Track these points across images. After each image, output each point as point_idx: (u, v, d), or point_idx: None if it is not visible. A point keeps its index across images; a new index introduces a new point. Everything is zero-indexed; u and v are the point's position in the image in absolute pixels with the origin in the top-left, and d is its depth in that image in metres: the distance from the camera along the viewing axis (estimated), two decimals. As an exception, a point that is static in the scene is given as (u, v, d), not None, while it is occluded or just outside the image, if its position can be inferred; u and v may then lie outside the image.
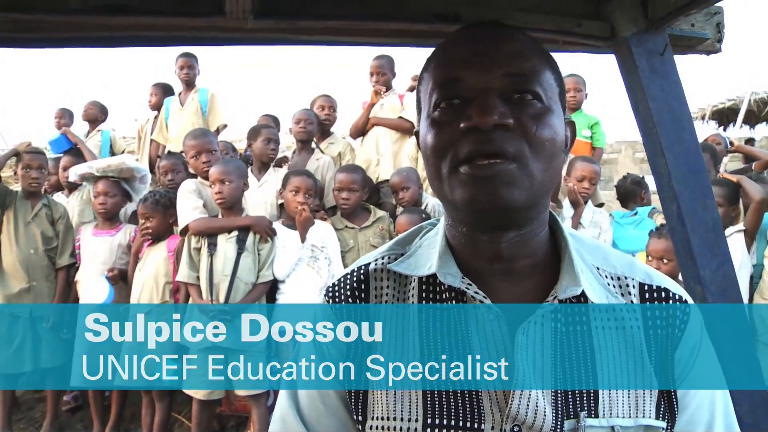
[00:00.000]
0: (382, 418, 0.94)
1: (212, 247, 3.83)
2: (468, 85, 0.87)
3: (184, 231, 3.96)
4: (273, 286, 3.99)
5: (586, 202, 4.28)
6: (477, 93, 0.86)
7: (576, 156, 4.78)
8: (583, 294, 0.92)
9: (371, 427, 0.94)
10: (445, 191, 0.89)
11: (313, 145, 5.20)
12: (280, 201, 4.31)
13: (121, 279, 4.19)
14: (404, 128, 5.15)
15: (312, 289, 3.81)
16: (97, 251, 4.33)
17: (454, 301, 0.95)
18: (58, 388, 4.48)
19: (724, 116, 13.50)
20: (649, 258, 3.42)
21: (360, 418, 0.97)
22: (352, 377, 0.98)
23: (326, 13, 1.30)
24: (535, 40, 0.94)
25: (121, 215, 4.66)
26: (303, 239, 3.90)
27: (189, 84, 5.91)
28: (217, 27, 1.33)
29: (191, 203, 3.96)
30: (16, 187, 4.98)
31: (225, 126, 5.99)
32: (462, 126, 0.85)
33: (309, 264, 3.91)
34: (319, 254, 3.93)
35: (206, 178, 4.07)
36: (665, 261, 3.32)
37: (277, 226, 4.07)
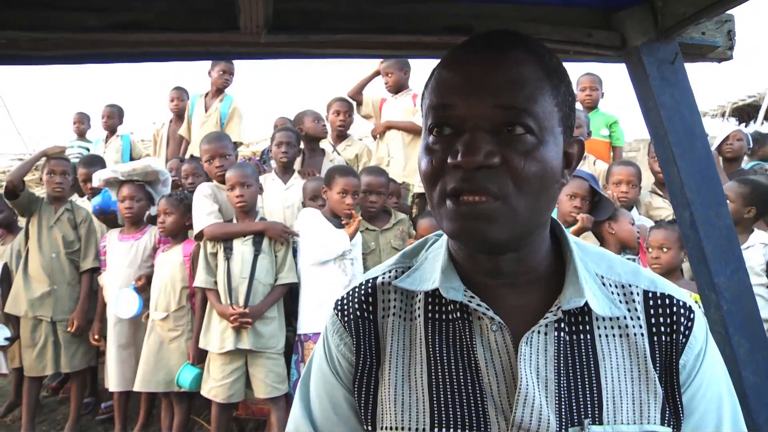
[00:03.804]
0: (391, 428, 0.96)
1: (228, 251, 3.86)
2: (459, 113, 0.87)
3: (200, 236, 3.99)
4: (290, 290, 4.01)
5: (630, 208, 4.13)
6: (467, 124, 0.86)
7: (614, 162, 4.73)
8: (586, 304, 0.93)
9: None
10: (437, 218, 0.91)
11: (327, 146, 5.22)
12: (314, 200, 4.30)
13: (148, 284, 4.23)
14: (416, 131, 5.17)
15: (336, 286, 3.78)
16: (122, 255, 4.37)
17: (458, 314, 0.96)
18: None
19: (745, 113, 13.31)
20: (650, 249, 3.42)
21: (370, 427, 0.99)
22: (363, 389, 1.00)
23: (338, 26, 1.31)
24: (540, 57, 0.91)
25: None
26: (352, 238, 3.89)
27: (220, 90, 5.91)
28: (231, 42, 1.35)
29: (206, 208, 3.99)
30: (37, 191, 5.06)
31: (240, 144, 5.98)
32: (449, 161, 0.86)
33: (335, 262, 3.90)
34: (347, 253, 3.92)
35: (221, 182, 4.09)
36: (665, 250, 3.33)
37: (317, 215, 4.03)
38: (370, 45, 1.41)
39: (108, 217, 4.74)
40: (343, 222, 3.93)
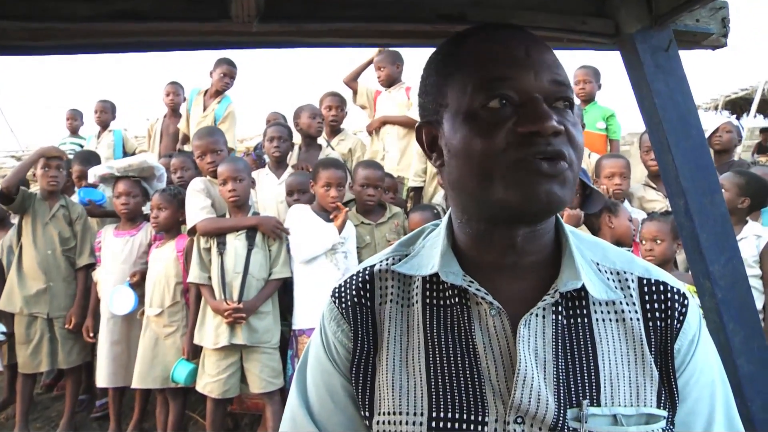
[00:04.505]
0: (389, 413, 0.96)
1: (222, 245, 3.85)
2: (519, 86, 0.89)
3: (192, 231, 3.99)
4: (284, 284, 4.01)
5: (622, 200, 4.16)
6: (527, 96, 0.88)
7: (601, 155, 4.75)
8: (583, 288, 0.94)
9: (378, 422, 0.97)
10: (493, 191, 0.89)
11: (322, 141, 5.22)
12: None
13: (142, 280, 4.22)
14: (411, 125, 5.18)
15: (329, 281, 3.76)
16: (117, 251, 4.36)
17: (456, 299, 0.97)
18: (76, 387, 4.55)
19: (738, 106, 13.40)
20: (643, 242, 3.44)
21: (367, 413, 0.99)
22: (360, 375, 1.00)
23: (331, 15, 1.30)
24: None
25: None
26: (340, 231, 3.89)
27: (220, 92, 5.88)
28: (223, 31, 1.34)
29: (199, 203, 3.98)
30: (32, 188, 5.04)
31: (232, 150, 5.95)
32: (521, 130, 0.86)
33: (327, 256, 3.91)
34: (339, 247, 3.93)
35: (214, 177, 4.09)
36: (658, 241, 3.36)
37: (306, 210, 4.04)
38: (363, 34, 1.41)
39: (89, 209, 4.74)
40: (331, 216, 3.94)
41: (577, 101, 5.36)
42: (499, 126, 0.88)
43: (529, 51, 0.91)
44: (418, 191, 5.19)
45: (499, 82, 0.89)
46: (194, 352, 3.92)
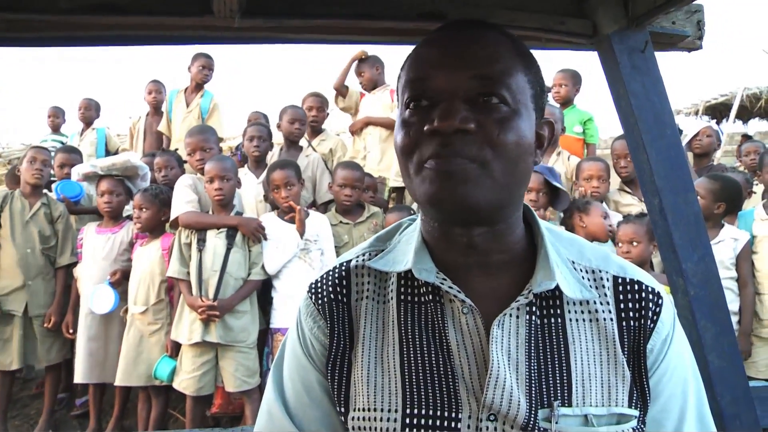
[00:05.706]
0: (363, 409, 0.96)
1: (201, 242, 3.84)
2: (435, 86, 0.89)
3: (174, 223, 3.97)
4: (267, 281, 4.01)
5: (601, 202, 4.17)
6: (443, 95, 0.88)
7: (581, 159, 4.78)
8: (557, 287, 0.94)
9: (353, 418, 0.97)
10: (413, 189, 0.92)
11: (303, 142, 5.22)
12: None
13: (124, 278, 4.19)
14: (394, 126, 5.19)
15: (305, 281, 3.75)
16: (98, 248, 4.31)
17: (430, 296, 0.97)
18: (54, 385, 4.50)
19: (717, 112, 13.52)
20: (620, 244, 3.48)
21: (343, 409, 0.99)
22: (336, 371, 1.00)
23: (313, 12, 1.32)
24: (513, 40, 0.95)
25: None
26: (302, 234, 3.91)
27: (200, 86, 5.87)
28: (205, 26, 1.35)
29: (185, 197, 3.97)
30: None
31: (222, 140, 5.95)
32: (425, 129, 0.87)
33: (300, 257, 3.92)
34: (311, 246, 3.94)
35: (203, 175, 4.08)
36: (635, 243, 3.42)
37: (272, 217, 4.06)
38: (344, 30, 1.42)
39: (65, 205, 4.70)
40: (286, 218, 3.98)
41: (555, 104, 5.37)
42: (415, 125, 0.90)
43: (454, 49, 0.90)
44: (400, 191, 5.20)
45: (417, 83, 0.91)
46: (178, 350, 3.89)
